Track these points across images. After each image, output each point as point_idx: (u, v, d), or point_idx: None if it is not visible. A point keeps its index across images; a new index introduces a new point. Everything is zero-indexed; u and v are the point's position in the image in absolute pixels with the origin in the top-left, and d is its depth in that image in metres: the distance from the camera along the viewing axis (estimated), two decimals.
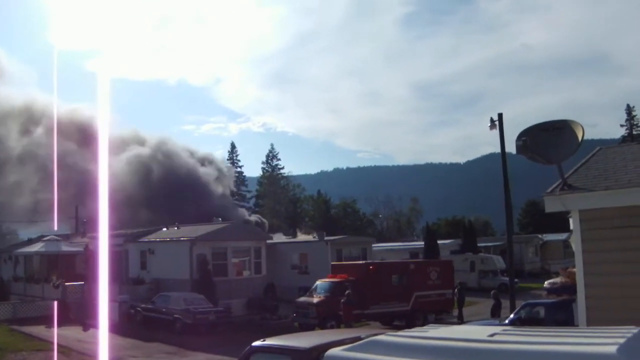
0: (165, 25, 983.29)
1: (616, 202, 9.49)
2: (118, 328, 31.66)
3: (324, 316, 29.23)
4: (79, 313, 34.11)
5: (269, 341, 8.52)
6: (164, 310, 31.39)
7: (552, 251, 63.25)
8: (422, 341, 6.94)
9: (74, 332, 30.12)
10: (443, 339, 6.88)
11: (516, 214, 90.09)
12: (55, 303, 34.22)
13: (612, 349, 5.62)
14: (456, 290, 34.98)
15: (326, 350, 7.36)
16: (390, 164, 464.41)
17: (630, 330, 6.45)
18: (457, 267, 43.90)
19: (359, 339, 7.58)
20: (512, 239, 31.28)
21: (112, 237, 43.54)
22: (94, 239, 43.09)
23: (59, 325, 29.95)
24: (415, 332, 7.81)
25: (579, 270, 9.85)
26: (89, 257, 40.32)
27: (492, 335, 6.85)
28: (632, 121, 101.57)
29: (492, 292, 32.52)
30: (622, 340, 5.87)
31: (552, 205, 9.97)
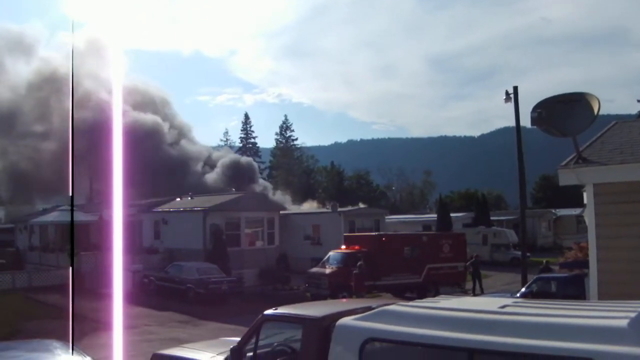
0: None
1: (631, 176, 9.43)
2: (131, 297, 31.79)
3: (336, 287, 29.33)
4: (94, 282, 34.37)
5: (281, 310, 8.57)
6: (177, 279, 31.58)
7: (565, 226, 63.15)
8: (433, 311, 6.98)
9: (88, 301, 30.31)
10: (454, 310, 6.92)
11: (530, 189, 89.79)
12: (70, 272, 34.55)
13: (623, 322, 5.64)
14: (470, 263, 35.10)
15: (338, 320, 7.42)
16: (404, 136, 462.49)
17: None
18: (470, 241, 43.87)
19: (370, 308, 7.61)
20: (524, 213, 31.21)
21: (126, 207, 43.79)
22: (108, 208, 43.33)
23: (73, 294, 30.14)
24: (427, 302, 7.85)
25: (591, 244, 9.82)
26: (103, 226, 40.55)
27: (503, 307, 6.87)
28: None
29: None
30: (633, 315, 5.87)
31: (566, 178, 9.92)
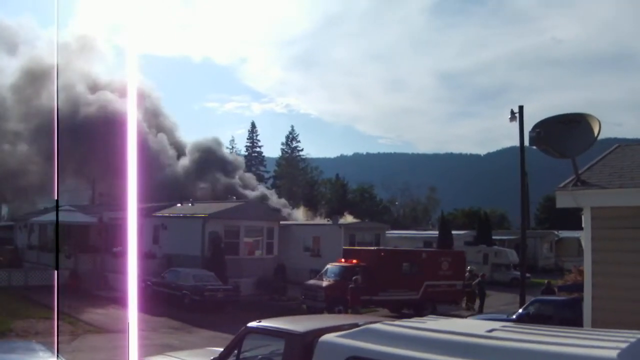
0: (193, 2, 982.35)
1: (630, 201, 9.28)
2: (127, 301, 31.70)
3: (332, 300, 29.09)
4: (90, 284, 34.26)
5: (265, 323, 8.42)
6: (173, 285, 31.42)
7: (567, 248, 62.71)
8: (418, 332, 6.83)
9: (83, 303, 30.21)
10: (440, 332, 6.77)
11: (534, 209, 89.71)
12: (67, 273, 34.46)
13: (613, 353, 5.48)
14: (476, 282, 35.05)
15: (321, 335, 7.27)
16: (410, 151, 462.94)
17: (634, 335, 6.30)
18: (470, 259, 43.73)
19: (356, 325, 7.45)
20: (525, 234, 31.06)
21: (126, 210, 43.68)
22: (109, 211, 43.25)
23: (69, 295, 30.05)
24: (413, 322, 7.70)
25: (586, 268, 9.66)
26: (102, 229, 40.50)
27: (490, 331, 6.71)
28: None
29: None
30: (623, 345, 5.73)
31: (563, 200, 9.77)
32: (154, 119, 71.93)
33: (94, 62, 70.00)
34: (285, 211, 64.14)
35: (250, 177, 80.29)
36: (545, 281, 33.43)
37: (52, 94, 55.51)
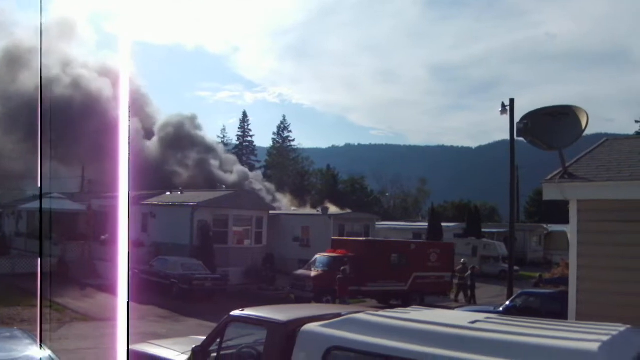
0: None
1: (616, 194, 9.24)
2: (115, 289, 31.60)
3: (320, 290, 29.16)
4: (78, 272, 34.13)
5: (247, 311, 8.37)
6: (161, 274, 31.41)
7: (556, 242, 62.84)
8: (401, 323, 6.79)
9: (70, 291, 30.11)
10: (422, 323, 6.72)
11: (524, 203, 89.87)
12: (55, 261, 34.29)
13: (594, 346, 5.45)
14: (468, 275, 35.45)
15: (303, 325, 7.23)
16: (402, 143, 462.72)
17: (616, 328, 6.29)
18: (459, 251, 43.86)
19: (339, 315, 7.41)
20: (514, 227, 31.07)
21: (114, 198, 43.52)
22: (98, 199, 43.08)
23: (56, 283, 29.92)
24: (396, 313, 7.67)
25: (572, 262, 9.64)
26: (91, 216, 40.31)
27: (473, 322, 6.68)
28: None
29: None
30: (605, 338, 5.71)
31: (550, 193, 9.74)
32: (136, 105, 70.97)
33: (77, 46, 69.00)
34: (269, 198, 63.81)
35: (230, 159, 79.29)
36: (538, 274, 33.66)
37: (33, 78, 55.05)
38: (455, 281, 36.17)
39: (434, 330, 6.39)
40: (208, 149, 73.10)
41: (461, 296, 35.80)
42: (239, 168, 76.25)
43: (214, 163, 70.07)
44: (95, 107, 58.37)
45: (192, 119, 75.52)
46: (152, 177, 49.75)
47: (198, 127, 75.58)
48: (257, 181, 75.08)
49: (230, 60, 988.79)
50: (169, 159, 65.22)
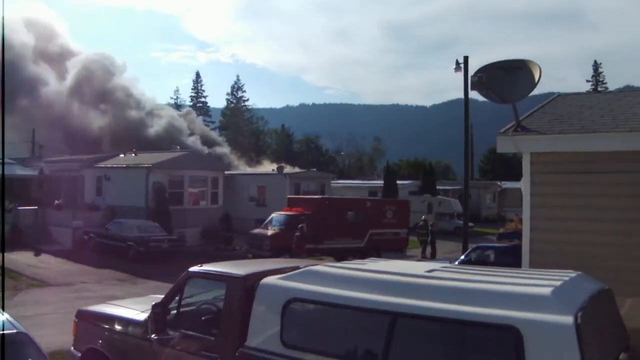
0: None
1: (568, 147, 9.40)
2: (71, 254, 31.38)
3: (278, 248, 29.17)
4: (32, 238, 33.74)
5: (206, 267, 8.39)
6: (117, 237, 31.13)
7: (509, 198, 63.81)
8: (358, 273, 6.88)
9: (25, 257, 29.79)
10: (380, 272, 6.81)
11: (478, 161, 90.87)
12: (8, 227, 33.78)
13: (547, 290, 5.59)
14: (430, 231, 36.37)
15: (262, 279, 7.28)
16: (356, 102, 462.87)
17: (568, 274, 6.45)
18: (415, 208, 44.26)
19: (297, 268, 7.47)
20: (468, 184, 31.51)
21: (68, 162, 42.96)
22: (49, 163, 42.50)
23: (10, 249, 29.56)
24: (354, 264, 7.76)
25: (525, 213, 9.80)
26: (43, 181, 39.78)
27: (430, 271, 6.79)
28: (597, 77, 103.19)
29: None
30: (558, 283, 5.85)
31: (504, 145, 9.86)
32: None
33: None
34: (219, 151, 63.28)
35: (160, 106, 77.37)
36: (501, 230, 34.51)
37: None
38: (417, 238, 36.86)
39: (392, 280, 6.48)
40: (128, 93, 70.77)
41: (428, 251, 36.56)
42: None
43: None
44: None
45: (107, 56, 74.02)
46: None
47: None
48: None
49: (182, 21, 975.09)
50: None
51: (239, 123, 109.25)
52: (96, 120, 62.24)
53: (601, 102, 11.35)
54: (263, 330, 6.99)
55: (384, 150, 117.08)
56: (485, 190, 65.16)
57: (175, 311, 8.28)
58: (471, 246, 25.48)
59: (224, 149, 74.60)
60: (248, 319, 7.15)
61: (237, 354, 7.15)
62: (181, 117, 75.22)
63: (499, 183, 68.99)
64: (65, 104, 62.21)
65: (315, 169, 58.57)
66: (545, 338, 5.12)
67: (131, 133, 58.67)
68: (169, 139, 60.96)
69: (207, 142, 71.70)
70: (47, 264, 28.74)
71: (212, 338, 7.61)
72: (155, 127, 65.49)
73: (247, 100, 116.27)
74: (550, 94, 12.13)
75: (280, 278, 7.16)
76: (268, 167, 66.83)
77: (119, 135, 57.77)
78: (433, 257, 34.15)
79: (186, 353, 7.87)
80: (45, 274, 25.71)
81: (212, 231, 36.25)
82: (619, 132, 9.00)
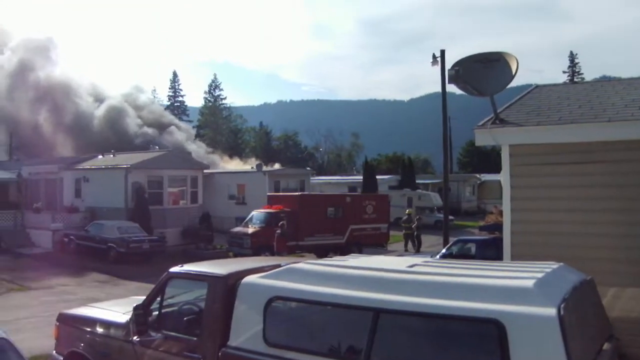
0: None
1: (546, 138, 9.40)
2: (51, 256, 31.21)
3: (258, 246, 29.13)
4: (12, 241, 33.51)
5: (187, 267, 8.34)
6: (97, 238, 31.07)
7: (489, 191, 64.17)
8: (340, 270, 6.85)
9: (4, 261, 29.59)
10: (362, 269, 6.81)
11: (457, 154, 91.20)
12: None
13: (529, 283, 5.60)
14: (415, 226, 36.81)
15: (243, 278, 7.25)
16: (334, 98, 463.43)
17: (550, 266, 6.46)
18: (395, 203, 44.44)
19: (278, 266, 7.44)
20: (448, 177, 31.58)
21: (46, 164, 42.64)
22: (27, 165, 42.15)
23: None
24: (335, 261, 7.73)
25: (505, 205, 9.80)
26: (22, 184, 39.46)
27: (411, 266, 6.78)
28: (574, 68, 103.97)
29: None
30: (540, 275, 5.86)
31: (482, 138, 9.84)
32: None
33: None
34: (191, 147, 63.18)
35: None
36: (481, 223, 34.77)
37: None
38: (402, 232, 37.23)
39: (374, 276, 6.46)
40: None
41: (410, 246, 36.87)
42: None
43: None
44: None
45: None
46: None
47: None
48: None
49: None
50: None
51: (217, 122, 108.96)
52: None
53: (579, 93, 11.38)
54: (245, 329, 6.95)
55: (363, 145, 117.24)
56: (465, 183, 65.41)
57: (157, 312, 8.23)
58: (452, 240, 25.55)
59: (182, 133, 74.01)
60: (230, 319, 7.11)
61: (220, 353, 7.11)
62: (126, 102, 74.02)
63: (478, 176, 69.29)
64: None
65: (293, 166, 58.54)
66: (529, 330, 5.12)
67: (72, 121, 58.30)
68: (109, 119, 61.22)
69: (160, 125, 71.19)
70: (26, 267, 28.54)
71: (195, 338, 7.56)
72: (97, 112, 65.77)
73: (225, 98, 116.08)
74: (528, 85, 12.17)
75: (261, 277, 7.13)
76: (248, 165, 66.67)
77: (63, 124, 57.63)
78: (418, 252, 34.31)
79: (169, 354, 7.82)
80: (25, 278, 25.52)
81: (193, 230, 36.09)
82: (598, 123, 9.02)
